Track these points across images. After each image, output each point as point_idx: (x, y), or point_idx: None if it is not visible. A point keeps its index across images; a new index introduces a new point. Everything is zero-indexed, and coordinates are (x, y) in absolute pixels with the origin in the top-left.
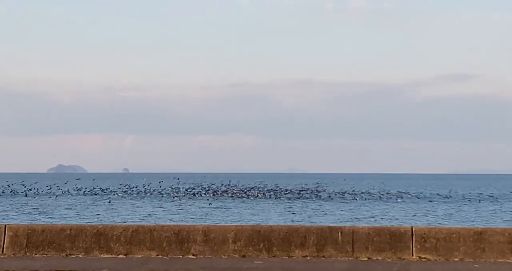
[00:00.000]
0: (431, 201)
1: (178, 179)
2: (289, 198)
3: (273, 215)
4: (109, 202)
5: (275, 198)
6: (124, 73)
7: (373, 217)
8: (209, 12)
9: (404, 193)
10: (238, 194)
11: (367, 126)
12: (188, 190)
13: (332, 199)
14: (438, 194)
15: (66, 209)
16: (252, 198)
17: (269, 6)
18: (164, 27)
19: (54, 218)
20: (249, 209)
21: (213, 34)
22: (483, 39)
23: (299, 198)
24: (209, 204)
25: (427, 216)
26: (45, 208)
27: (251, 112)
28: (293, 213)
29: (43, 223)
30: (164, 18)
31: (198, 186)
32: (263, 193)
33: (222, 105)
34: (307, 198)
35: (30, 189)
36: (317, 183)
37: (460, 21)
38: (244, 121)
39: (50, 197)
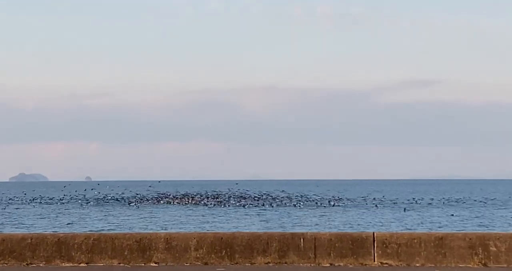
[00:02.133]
0: (394, 207)
1: (150, 186)
2: (253, 205)
3: (236, 222)
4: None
5: (240, 205)
6: (88, 81)
7: (335, 222)
8: (173, 18)
9: (364, 199)
10: (199, 201)
11: (331, 131)
12: (151, 197)
13: (295, 205)
14: (402, 201)
15: (30, 217)
16: (214, 204)
17: (236, 12)
18: (128, 34)
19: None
20: (210, 215)
21: (177, 41)
22: (448, 45)
23: (262, 205)
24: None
25: (389, 221)
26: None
27: (215, 118)
28: (264, 221)
29: (3, 232)
30: (128, 26)
31: (161, 194)
32: (227, 200)
33: (186, 112)
34: (271, 204)
35: None
36: (282, 190)
37: (426, 26)
38: (208, 128)
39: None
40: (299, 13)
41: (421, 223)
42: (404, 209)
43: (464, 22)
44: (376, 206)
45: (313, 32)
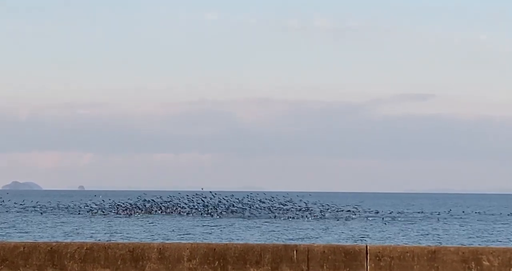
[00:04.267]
0: (385, 220)
1: (144, 194)
2: (249, 216)
3: (229, 234)
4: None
5: (236, 216)
6: (83, 90)
7: (329, 234)
8: (171, 29)
9: (357, 211)
10: (194, 211)
11: (325, 144)
12: (142, 206)
13: (290, 216)
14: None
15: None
16: (212, 215)
17: (234, 24)
18: (124, 44)
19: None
20: (204, 226)
21: (174, 51)
22: (444, 59)
23: (258, 216)
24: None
25: (382, 233)
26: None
27: (209, 129)
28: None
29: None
30: (124, 35)
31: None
32: (224, 210)
33: (181, 123)
34: (268, 216)
35: None
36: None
37: (423, 40)
38: (201, 139)
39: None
40: (296, 25)
41: (412, 235)
42: (438, 219)
43: (461, 37)
44: (373, 216)
45: (309, 44)
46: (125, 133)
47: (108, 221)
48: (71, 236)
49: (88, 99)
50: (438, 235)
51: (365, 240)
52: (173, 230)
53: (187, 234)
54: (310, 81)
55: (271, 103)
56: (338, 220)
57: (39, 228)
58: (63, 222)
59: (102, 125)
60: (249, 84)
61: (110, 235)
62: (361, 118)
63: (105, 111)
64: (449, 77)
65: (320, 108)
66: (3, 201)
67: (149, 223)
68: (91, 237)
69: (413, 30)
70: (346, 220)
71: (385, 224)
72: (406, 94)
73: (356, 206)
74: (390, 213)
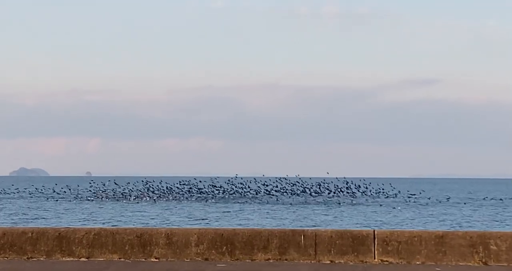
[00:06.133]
0: (394, 206)
1: (154, 181)
2: (261, 202)
3: (235, 220)
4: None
5: (244, 201)
6: (89, 77)
7: (336, 219)
8: (177, 15)
9: (368, 194)
10: (200, 195)
11: (333, 130)
12: (153, 192)
13: (305, 201)
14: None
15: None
16: (219, 199)
17: (242, 10)
18: (131, 30)
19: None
20: (214, 212)
21: (181, 37)
22: (451, 44)
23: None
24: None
25: (390, 219)
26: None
27: (216, 115)
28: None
29: (3, 225)
30: (130, 21)
31: (160, 189)
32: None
33: (187, 109)
34: (277, 201)
35: None
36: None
37: (430, 26)
38: (209, 125)
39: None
40: (305, 11)
41: (420, 221)
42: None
43: (468, 23)
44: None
45: (317, 30)
46: (132, 119)
47: (120, 207)
48: (85, 221)
49: (94, 86)
50: (446, 220)
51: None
52: (224, 215)
53: (194, 218)
54: (318, 67)
55: (278, 89)
56: (348, 205)
57: (49, 214)
58: (73, 208)
59: (109, 111)
60: (256, 70)
61: (118, 221)
62: (368, 103)
63: (112, 98)
64: (456, 62)
65: (327, 94)
66: (14, 186)
67: (154, 208)
68: (103, 223)
69: (421, 16)
70: (355, 205)
71: (395, 209)
72: (413, 79)
73: (411, 194)
74: (429, 198)
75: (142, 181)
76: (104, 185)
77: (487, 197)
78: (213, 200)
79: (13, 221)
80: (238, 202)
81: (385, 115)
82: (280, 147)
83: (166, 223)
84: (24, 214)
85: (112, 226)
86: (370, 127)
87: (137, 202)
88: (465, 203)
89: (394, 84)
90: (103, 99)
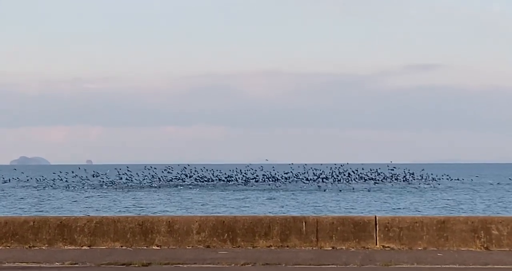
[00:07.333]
0: (398, 192)
1: (155, 168)
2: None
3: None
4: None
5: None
6: (90, 65)
7: (338, 205)
8: (178, 3)
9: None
10: (202, 183)
11: (335, 115)
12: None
13: (303, 188)
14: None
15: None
16: (223, 187)
17: None
18: (132, 18)
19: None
20: (216, 199)
21: (180, 24)
22: (453, 30)
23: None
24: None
25: (390, 205)
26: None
27: (218, 102)
28: (281, 206)
29: (5, 215)
30: (131, 9)
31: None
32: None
33: (188, 96)
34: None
35: None
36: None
37: (432, 11)
38: (211, 112)
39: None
40: None
41: (421, 206)
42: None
43: (472, 8)
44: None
45: (319, 16)
46: (133, 107)
47: (122, 195)
48: (86, 209)
49: (96, 74)
50: (445, 205)
51: (375, 212)
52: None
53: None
54: (318, 53)
55: (278, 76)
56: (349, 192)
57: (51, 203)
58: (74, 197)
59: (110, 99)
60: (256, 57)
61: (120, 211)
62: (370, 89)
63: (113, 86)
64: (459, 47)
65: (328, 80)
66: (15, 174)
67: (156, 196)
68: (104, 212)
69: (423, 0)
70: (356, 192)
71: (395, 195)
72: (415, 64)
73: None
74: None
75: (146, 168)
76: (105, 174)
77: None
78: (220, 188)
79: (14, 210)
80: (247, 190)
81: (386, 101)
82: (282, 133)
83: (167, 211)
84: (27, 203)
85: (114, 214)
86: (371, 112)
87: (139, 190)
88: None
89: (396, 69)
90: (105, 87)
